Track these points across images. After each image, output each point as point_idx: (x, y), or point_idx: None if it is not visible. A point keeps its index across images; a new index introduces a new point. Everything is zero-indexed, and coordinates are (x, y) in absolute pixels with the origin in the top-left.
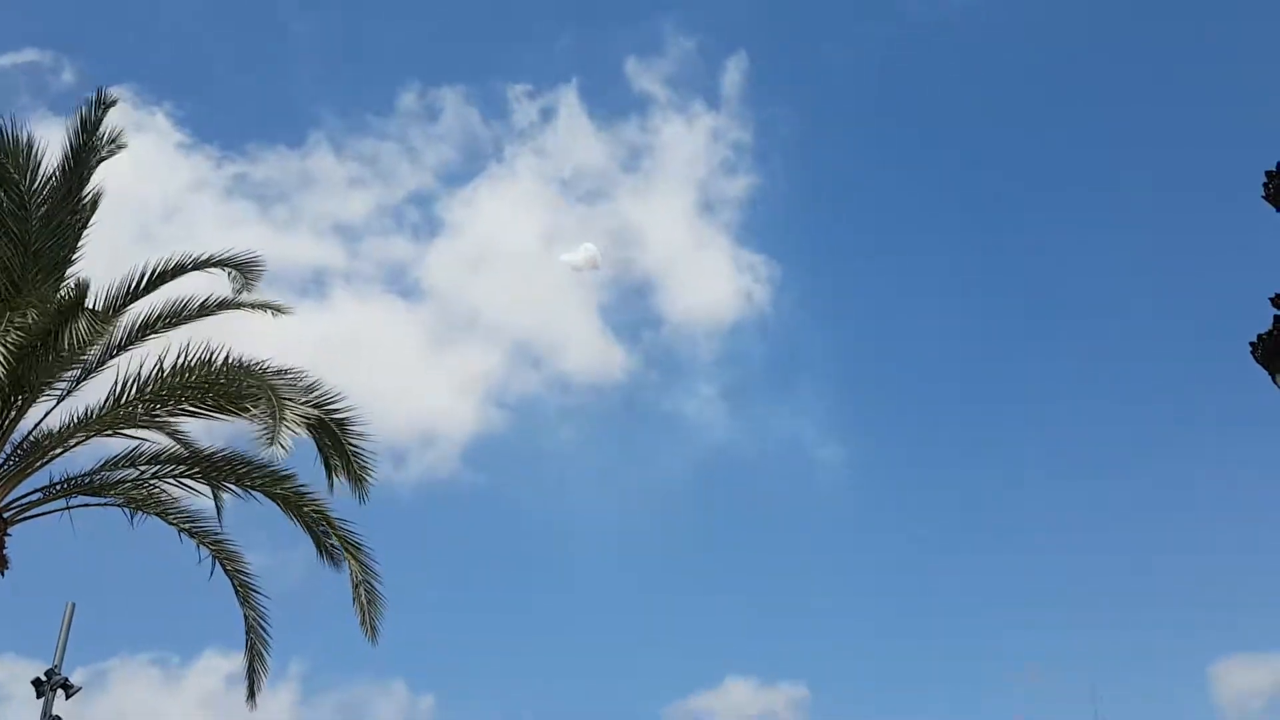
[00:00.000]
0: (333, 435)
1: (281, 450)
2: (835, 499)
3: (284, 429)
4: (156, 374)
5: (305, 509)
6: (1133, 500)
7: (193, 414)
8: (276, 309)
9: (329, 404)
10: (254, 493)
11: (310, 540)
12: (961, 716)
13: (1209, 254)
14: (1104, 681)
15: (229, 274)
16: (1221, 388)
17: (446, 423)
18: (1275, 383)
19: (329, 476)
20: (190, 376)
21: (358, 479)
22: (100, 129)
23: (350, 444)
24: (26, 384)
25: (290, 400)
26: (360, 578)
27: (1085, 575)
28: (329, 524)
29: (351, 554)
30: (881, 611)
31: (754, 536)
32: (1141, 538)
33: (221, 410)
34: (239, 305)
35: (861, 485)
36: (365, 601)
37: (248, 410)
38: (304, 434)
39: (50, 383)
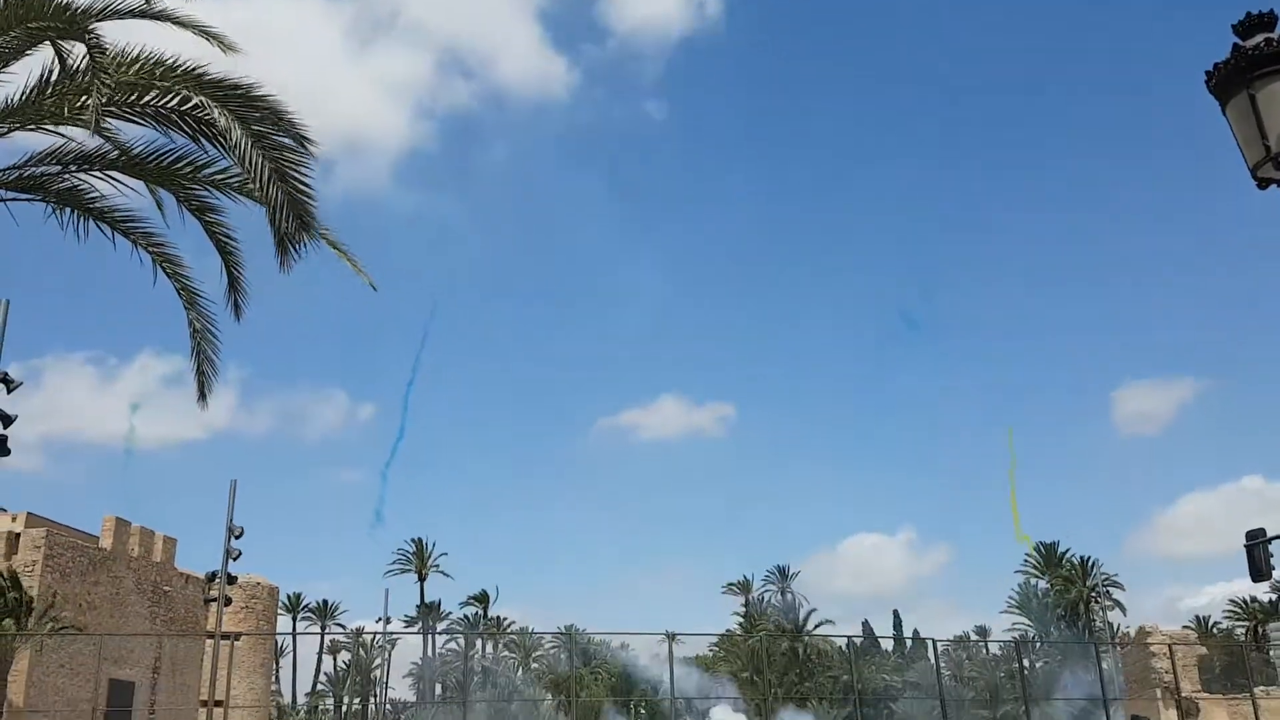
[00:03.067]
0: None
1: None
2: None
3: None
4: (86, 65)
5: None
6: (1037, 234)
7: (124, 119)
8: None
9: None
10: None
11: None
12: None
13: None
14: (1015, 409)
15: None
16: None
17: (373, 131)
18: (1224, 114)
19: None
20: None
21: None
22: None
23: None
24: None
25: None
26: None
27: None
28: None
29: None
30: None
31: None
32: (1050, 270)
33: (158, 120)
34: None
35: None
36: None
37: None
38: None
39: None
